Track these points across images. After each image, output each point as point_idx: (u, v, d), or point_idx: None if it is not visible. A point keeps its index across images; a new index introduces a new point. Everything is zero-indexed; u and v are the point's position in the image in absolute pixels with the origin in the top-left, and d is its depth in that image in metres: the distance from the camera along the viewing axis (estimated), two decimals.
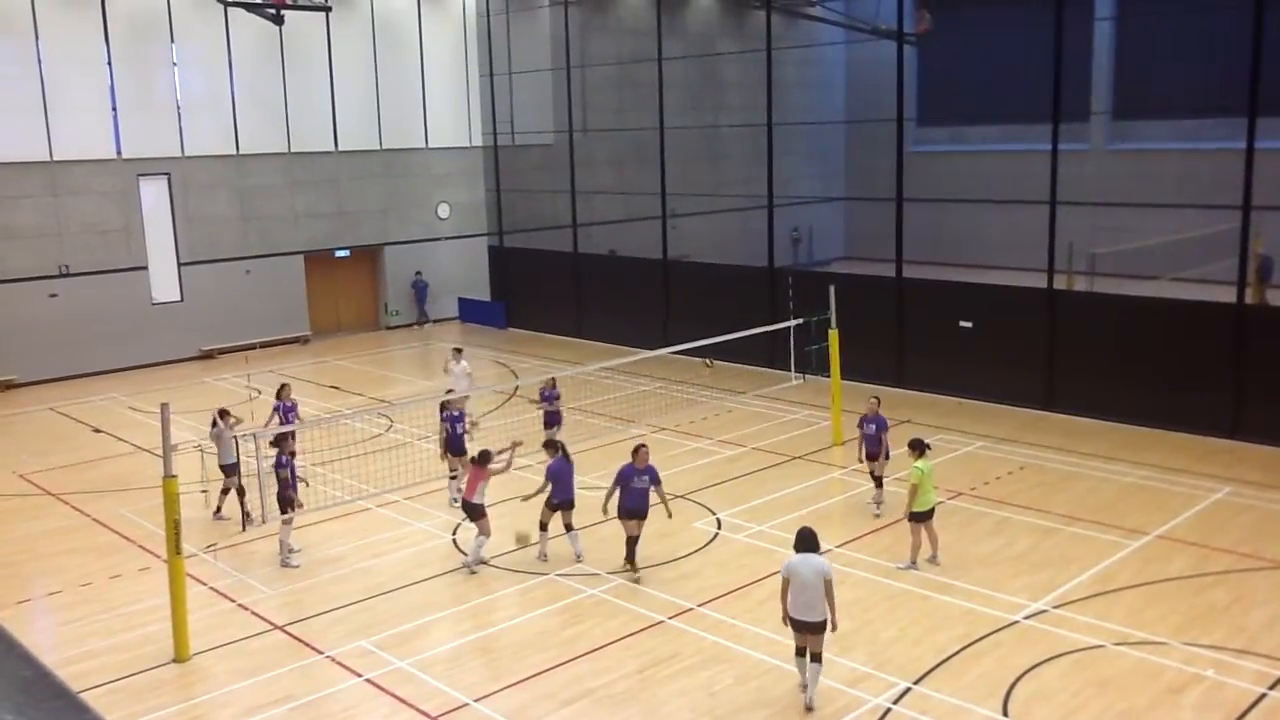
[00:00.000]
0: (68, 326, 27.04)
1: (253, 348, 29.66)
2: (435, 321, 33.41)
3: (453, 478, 16.87)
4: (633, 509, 13.72)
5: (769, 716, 10.46)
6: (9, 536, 16.35)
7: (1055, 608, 12.58)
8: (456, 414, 17.16)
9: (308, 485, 15.73)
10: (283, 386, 18.36)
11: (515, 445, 15.20)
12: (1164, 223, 26.77)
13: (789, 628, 10.57)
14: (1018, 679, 10.99)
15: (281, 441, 14.74)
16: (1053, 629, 12.08)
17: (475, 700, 10.92)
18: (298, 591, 13.86)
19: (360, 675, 11.53)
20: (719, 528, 15.57)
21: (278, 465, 14.49)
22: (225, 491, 16.26)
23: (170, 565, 12.00)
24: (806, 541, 10.48)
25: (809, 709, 10.43)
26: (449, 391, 17.98)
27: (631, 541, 13.77)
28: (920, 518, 13.70)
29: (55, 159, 26.92)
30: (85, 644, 12.54)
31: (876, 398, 16.60)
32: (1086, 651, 11.55)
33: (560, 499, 14.41)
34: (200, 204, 29.30)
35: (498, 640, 12.35)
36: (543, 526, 14.49)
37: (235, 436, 15.93)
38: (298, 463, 15.25)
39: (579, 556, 14.40)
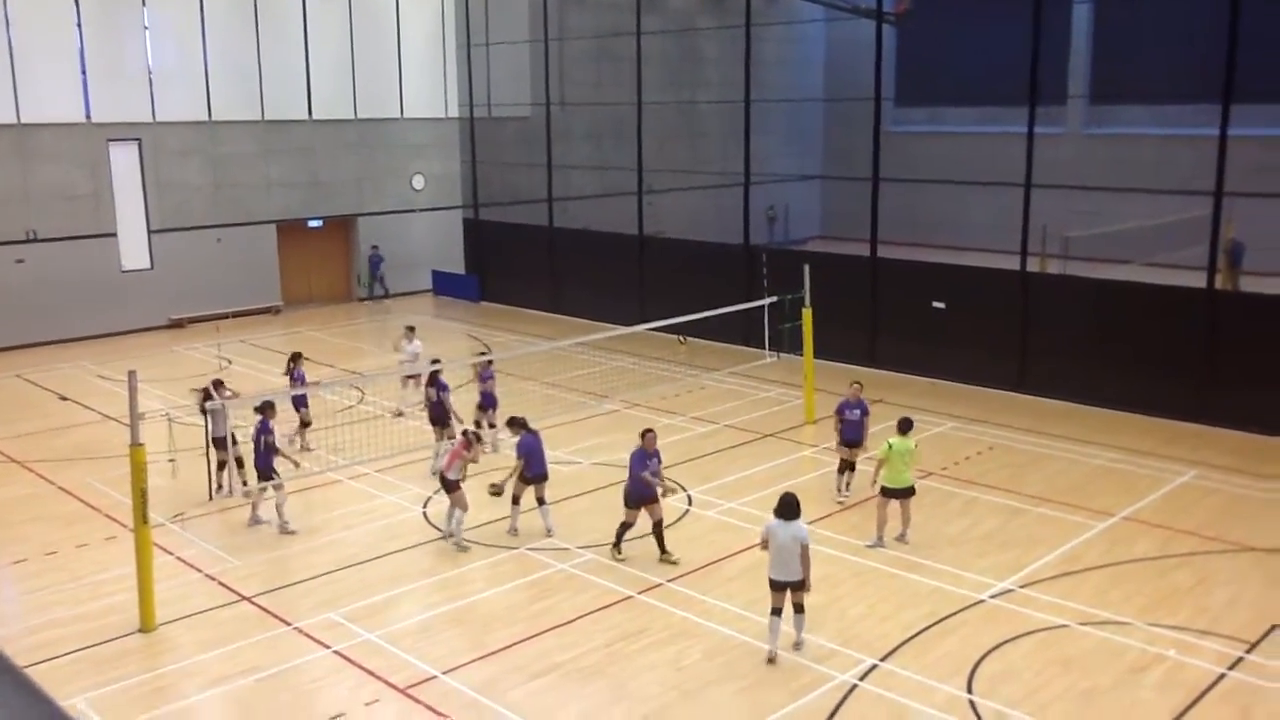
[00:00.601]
0: (35, 293, 26.69)
1: (223, 317, 29.40)
2: (392, 296, 32.71)
3: (451, 438, 16.83)
4: (646, 495, 13.38)
5: (737, 690, 10.52)
6: None
7: (1021, 587, 12.69)
8: (444, 384, 17.08)
9: (310, 450, 15.45)
10: (295, 356, 18.31)
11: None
12: (1138, 207, 26.90)
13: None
14: (983, 657, 11.09)
15: (266, 409, 14.70)
16: (1018, 608, 12.19)
17: (444, 673, 10.92)
18: (266, 562, 13.79)
19: (329, 647, 11.50)
20: (690, 504, 15.60)
21: (260, 432, 14.46)
22: (221, 466, 15.94)
23: (137, 534, 11.91)
24: (787, 508, 10.99)
25: (798, 646, 11.20)
26: (435, 361, 17.82)
27: (657, 525, 13.36)
28: (890, 494, 13.73)
29: (23, 121, 26.50)
30: (50, 613, 12.44)
31: (859, 382, 16.25)
32: (1051, 631, 11.66)
33: (534, 473, 14.40)
34: (171, 171, 28.94)
35: (467, 613, 12.34)
36: (515, 500, 14.46)
37: (227, 410, 15.68)
38: (280, 432, 15.16)
39: (550, 531, 14.40)
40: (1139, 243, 26.30)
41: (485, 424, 17.74)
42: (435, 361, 17.85)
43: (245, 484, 15.42)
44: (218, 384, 16.31)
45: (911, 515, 13.98)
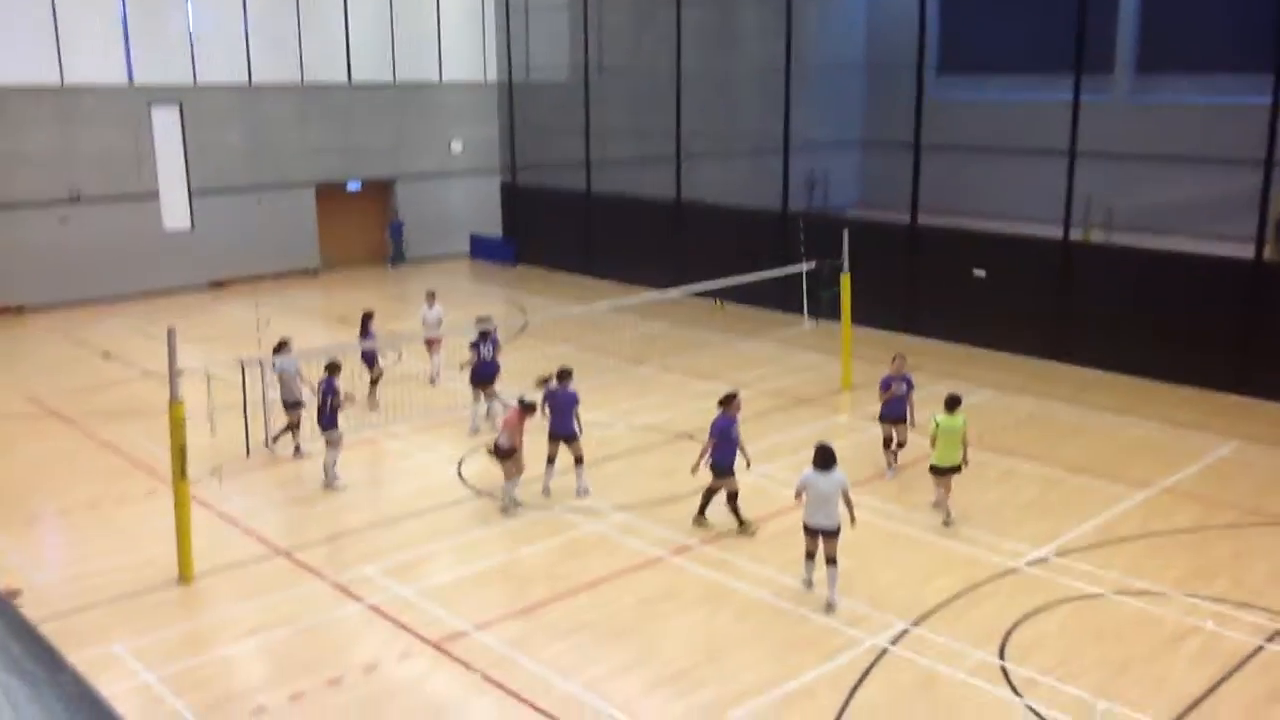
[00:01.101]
0: (78, 253, 27.01)
1: (263, 279, 29.60)
2: (406, 261, 32.62)
3: (488, 401, 16.82)
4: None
5: (766, 653, 10.52)
6: (18, 457, 16.46)
7: (1057, 556, 12.59)
8: (497, 340, 17.03)
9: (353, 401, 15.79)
10: (368, 315, 18.35)
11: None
12: (1184, 178, 26.42)
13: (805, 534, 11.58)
14: (1016, 624, 11.02)
15: (333, 369, 15.05)
16: (1054, 577, 12.09)
17: (475, 628, 11.00)
18: (302, 518, 13.94)
19: (362, 601, 11.62)
20: None
21: (326, 392, 14.77)
22: (293, 427, 16.13)
23: (175, 489, 12.07)
24: (825, 457, 11.37)
25: (830, 608, 11.26)
26: (480, 319, 17.61)
27: (732, 497, 13.20)
28: (935, 471, 13.47)
29: (66, 85, 26.73)
30: (91, 563, 12.65)
31: (901, 355, 15.55)
32: (1086, 600, 11.56)
33: (559, 430, 14.32)
34: (212, 134, 29.11)
35: (499, 571, 12.42)
36: (549, 460, 14.44)
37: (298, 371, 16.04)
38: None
39: (582, 492, 14.42)
40: (1184, 214, 25.85)
41: (483, 395, 17.22)
42: (484, 319, 17.66)
43: (299, 448, 15.93)
44: (282, 344, 16.42)
45: (950, 493, 13.58)
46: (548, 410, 14.38)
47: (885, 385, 15.07)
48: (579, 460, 14.46)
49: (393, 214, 32.72)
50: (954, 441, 13.39)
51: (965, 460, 13.55)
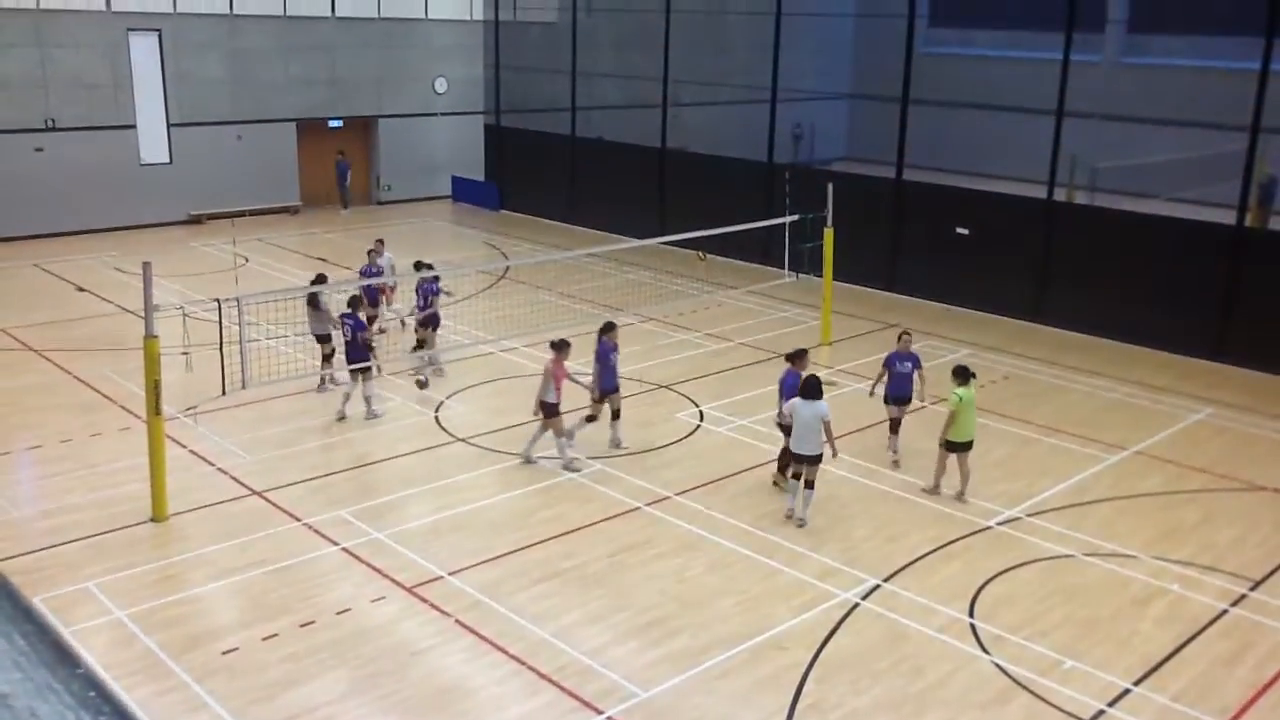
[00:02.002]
0: (54, 182, 26.59)
1: (241, 214, 29.28)
2: (350, 204, 31.49)
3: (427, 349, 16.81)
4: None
5: (737, 604, 10.61)
6: None
7: (1029, 516, 12.70)
8: (433, 288, 16.97)
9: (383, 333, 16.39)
10: (420, 264, 17.72)
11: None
12: (1170, 141, 26.39)
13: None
14: (986, 582, 11.14)
15: (355, 303, 15.51)
16: (1024, 536, 12.21)
17: (449, 573, 11.03)
18: (277, 459, 13.89)
19: (337, 544, 11.62)
20: (701, 420, 15.60)
21: (354, 328, 15.13)
22: (327, 359, 16.44)
23: (150, 426, 11.99)
24: (811, 388, 12.07)
25: (800, 524, 12.17)
26: (420, 264, 17.53)
27: (895, 424, 14.14)
28: (954, 448, 12.88)
29: (42, 6, 26.15)
30: (64, 499, 12.58)
31: (908, 332, 14.60)
32: (1056, 560, 11.69)
33: (604, 387, 14.08)
34: (191, 64, 28.59)
35: (474, 517, 12.43)
36: (592, 417, 14.19)
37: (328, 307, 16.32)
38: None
39: (617, 444, 14.26)
40: (1169, 177, 25.86)
41: (427, 343, 17.06)
42: (421, 265, 17.57)
43: (333, 379, 16.28)
44: (320, 278, 16.87)
45: (970, 471, 13.02)
46: (597, 368, 14.11)
47: (890, 363, 14.15)
48: (617, 414, 14.29)
49: (337, 154, 31.30)
50: (973, 415, 12.98)
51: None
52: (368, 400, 15.27)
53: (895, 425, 14.21)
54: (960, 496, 13.04)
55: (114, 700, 1.03)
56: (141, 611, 10.19)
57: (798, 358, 13.25)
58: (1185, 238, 19.62)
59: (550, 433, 13.61)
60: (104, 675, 9.02)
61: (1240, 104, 18.91)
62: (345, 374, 15.62)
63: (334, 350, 16.37)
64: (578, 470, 13.58)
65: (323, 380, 16.38)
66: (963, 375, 12.98)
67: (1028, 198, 21.48)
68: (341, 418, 15.21)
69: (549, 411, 13.47)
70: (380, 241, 19.49)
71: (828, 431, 12.04)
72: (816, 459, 12.13)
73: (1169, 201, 23.27)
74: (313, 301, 16.36)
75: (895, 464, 14.01)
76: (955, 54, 36.91)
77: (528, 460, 13.77)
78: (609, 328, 14.37)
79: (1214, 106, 22.16)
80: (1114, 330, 19.89)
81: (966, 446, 12.95)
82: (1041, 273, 21.08)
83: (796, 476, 12.28)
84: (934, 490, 13.22)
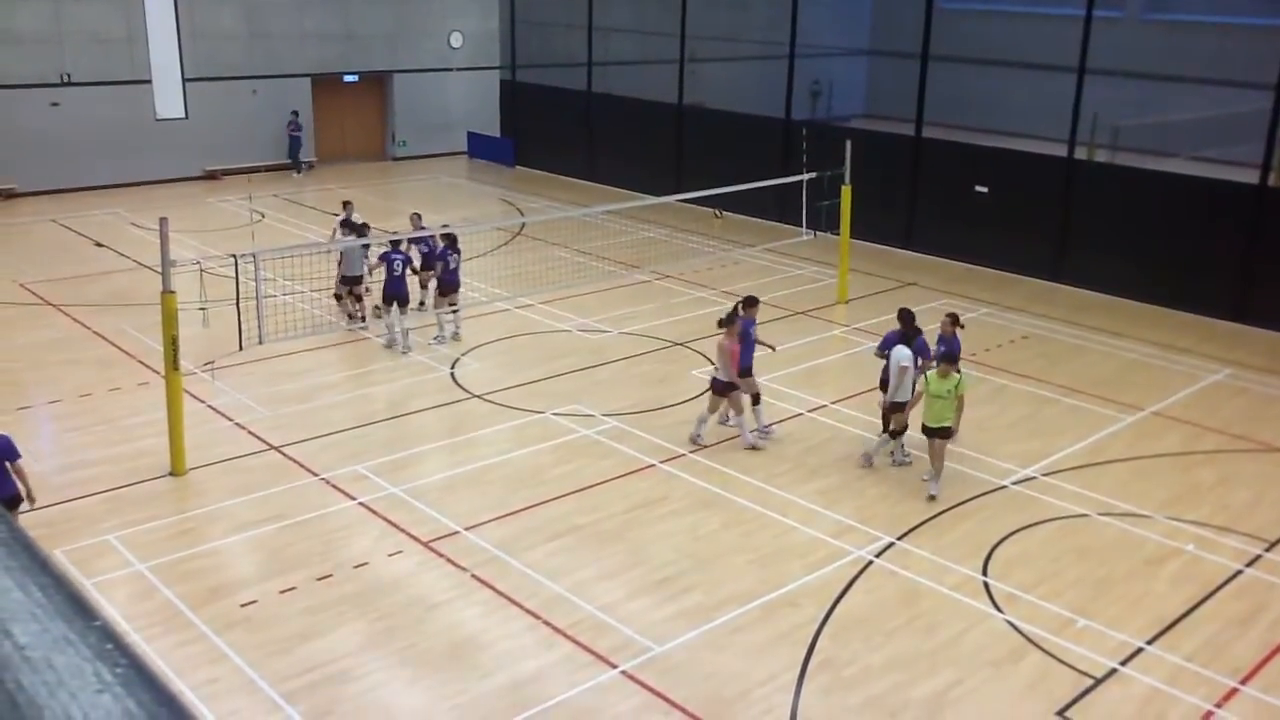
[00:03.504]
0: (70, 137, 26.59)
1: (257, 171, 29.24)
2: (310, 165, 30.49)
3: (454, 310, 16.73)
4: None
5: (752, 561, 10.66)
6: (10, 345, 16.40)
7: (1044, 475, 12.68)
8: (451, 250, 16.87)
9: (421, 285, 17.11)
10: (446, 232, 17.19)
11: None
12: (1193, 98, 26.04)
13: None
14: (1000, 542, 11.15)
15: (397, 243, 16.37)
16: (1039, 495, 12.20)
17: (465, 529, 11.10)
18: (294, 414, 13.96)
19: (354, 499, 11.70)
20: None
21: (405, 260, 16.25)
22: (359, 299, 17.15)
23: (167, 381, 12.07)
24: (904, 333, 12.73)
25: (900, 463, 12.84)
26: (444, 226, 17.42)
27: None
28: (926, 432, 12.06)
29: None
30: (83, 453, 12.70)
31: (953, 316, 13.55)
32: (1071, 520, 11.69)
33: (744, 364, 13.22)
34: (206, 17, 28.44)
35: (490, 473, 12.49)
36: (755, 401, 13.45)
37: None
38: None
39: (765, 432, 13.46)
40: (1191, 135, 25.55)
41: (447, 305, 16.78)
42: (444, 227, 17.24)
43: (362, 316, 17.03)
44: (347, 222, 17.57)
45: (944, 464, 12.17)
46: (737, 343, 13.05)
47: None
48: (757, 398, 13.43)
49: (291, 113, 29.52)
50: (946, 404, 11.91)
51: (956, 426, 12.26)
52: (405, 334, 16.08)
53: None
54: (929, 489, 12.07)
55: (131, 652, 1.03)
56: (161, 564, 10.30)
57: (912, 320, 13.06)
58: (1207, 197, 19.42)
59: (739, 408, 13.05)
60: (125, 627, 9.15)
61: (1265, 61, 18.64)
62: (379, 315, 16.52)
63: (366, 290, 17.12)
64: (762, 446, 13.10)
65: (362, 318, 16.95)
66: (948, 361, 12.19)
67: (1048, 156, 21.27)
68: (406, 350, 16.07)
69: (724, 389, 12.89)
70: (347, 204, 18.67)
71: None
72: (898, 406, 12.55)
73: (1191, 160, 23.02)
74: (360, 231, 17.04)
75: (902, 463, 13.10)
76: (976, 9, 36.44)
77: (762, 434, 13.18)
78: (751, 302, 13.60)
79: (1238, 64, 21.85)
80: (1134, 290, 19.74)
81: (936, 434, 11.99)
82: (1062, 232, 20.91)
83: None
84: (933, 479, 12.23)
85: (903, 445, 12.77)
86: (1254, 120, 19.24)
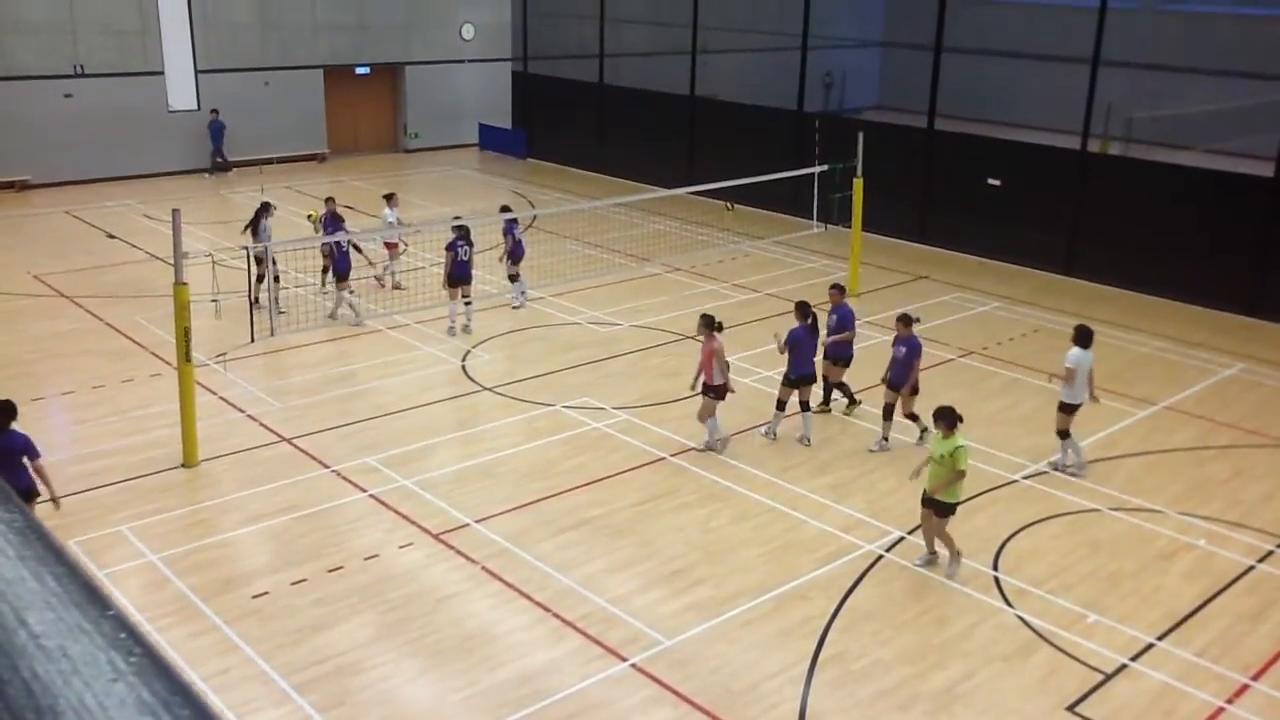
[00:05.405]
0: (83, 129, 26.66)
1: (269, 162, 29.29)
2: (233, 165, 28.74)
3: (467, 303, 16.77)
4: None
5: (762, 554, 10.66)
6: (23, 335, 16.48)
7: (1055, 470, 12.65)
8: (463, 242, 16.91)
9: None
10: (458, 224, 17.47)
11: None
12: (1208, 90, 25.92)
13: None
14: (1011, 536, 11.14)
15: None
16: (1051, 490, 12.18)
17: (476, 521, 11.13)
18: (306, 406, 14.01)
19: (365, 491, 11.73)
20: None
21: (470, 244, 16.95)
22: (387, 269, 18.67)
23: (180, 372, 12.10)
24: (1085, 337, 12.49)
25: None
26: (456, 218, 17.63)
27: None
28: (922, 501, 10.54)
29: None
30: (97, 444, 12.75)
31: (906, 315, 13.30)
32: (1082, 514, 11.66)
33: (799, 373, 12.97)
34: (218, 8, 28.50)
35: (500, 466, 12.51)
36: (780, 405, 13.19)
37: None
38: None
39: (805, 440, 13.19)
40: (1206, 127, 25.44)
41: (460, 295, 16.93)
42: (456, 219, 17.50)
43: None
44: (329, 204, 18.17)
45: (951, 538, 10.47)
46: (787, 350, 12.97)
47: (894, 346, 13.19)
48: (806, 405, 13.19)
49: (211, 112, 27.93)
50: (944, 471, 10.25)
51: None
52: (469, 317, 16.89)
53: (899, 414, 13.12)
54: (931, 558, 10.62)
55: (144, 641, 1.04)
56: (174, 555, 10.35)
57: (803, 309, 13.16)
58: (1222, 190, 19.31)
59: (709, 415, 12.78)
60: (138, 618, 9.20)
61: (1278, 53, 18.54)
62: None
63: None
64: (720, 449, 12.86)
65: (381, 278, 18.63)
66: (946, 420, 10.32)
67: (1061, 148, 21.18)
68: (466, 329, 16.77)
69: (718, 393, 12.65)
70: (388, 196, 18.81)
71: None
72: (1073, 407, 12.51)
73: (1205, 153, 22.92)
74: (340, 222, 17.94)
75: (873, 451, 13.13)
76: (990, 1, 36.30)
77: (723, 443, 12.89)
78: (804, 310, 13.15)
79: (1253, 55, 21.75)
80: (1147, 284, 19.66)
81: (927, 503, 10.42)
82: (1075, 225, 20.82)
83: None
84: (941, 560, 10.62)
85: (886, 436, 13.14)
86: (1269, 112, 19.16)
